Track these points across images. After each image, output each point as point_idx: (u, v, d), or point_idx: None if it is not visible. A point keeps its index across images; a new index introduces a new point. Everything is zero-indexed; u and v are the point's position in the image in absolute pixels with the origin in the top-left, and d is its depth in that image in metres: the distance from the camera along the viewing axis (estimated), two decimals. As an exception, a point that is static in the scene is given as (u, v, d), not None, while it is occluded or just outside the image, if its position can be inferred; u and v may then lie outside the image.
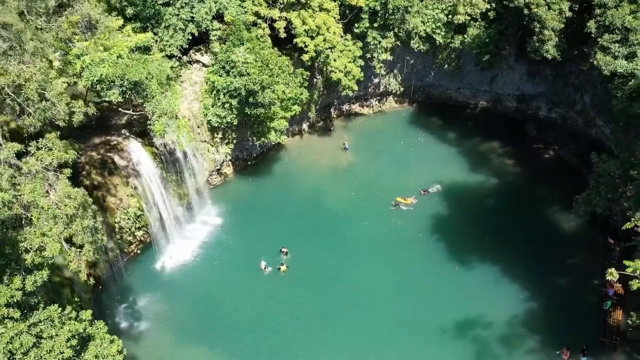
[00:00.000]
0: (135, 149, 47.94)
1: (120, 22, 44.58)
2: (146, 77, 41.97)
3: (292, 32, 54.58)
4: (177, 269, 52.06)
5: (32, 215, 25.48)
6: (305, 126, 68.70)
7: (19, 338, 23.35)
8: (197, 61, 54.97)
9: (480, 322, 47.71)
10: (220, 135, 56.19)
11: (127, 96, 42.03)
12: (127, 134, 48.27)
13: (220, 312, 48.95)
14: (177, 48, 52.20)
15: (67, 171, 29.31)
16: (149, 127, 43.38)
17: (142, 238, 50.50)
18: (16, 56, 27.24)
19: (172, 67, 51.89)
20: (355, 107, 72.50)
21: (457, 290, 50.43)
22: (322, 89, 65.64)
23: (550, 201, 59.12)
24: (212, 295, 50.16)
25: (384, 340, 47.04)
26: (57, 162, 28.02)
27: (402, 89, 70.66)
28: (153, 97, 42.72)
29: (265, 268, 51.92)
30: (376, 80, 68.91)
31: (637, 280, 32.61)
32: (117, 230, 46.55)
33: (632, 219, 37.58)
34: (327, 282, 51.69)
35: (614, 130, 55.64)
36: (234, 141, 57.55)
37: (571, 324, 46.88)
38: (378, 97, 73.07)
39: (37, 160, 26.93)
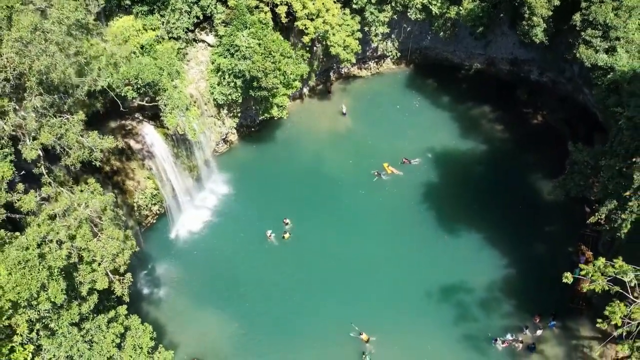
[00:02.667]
0: (148, 131, 51.68)
1: (131, 20, 46.84)
2: (159, 73, 45.05)
3: (293, 14, 56.69)
4: (190, 237, 57.20)
5: (83, 254, 30.23)
6: (305, 90, 71.56)
7: (76, 345, 28.68)
8: (202, 41, 57.42)
9: (463, 287, 53.37)
10: (225, 111, 59.65)
11: (141, 92, 45.22)
12: (140, 117, 51.75)
13: (230, 276, 54.51)
14: (182, 30, 54.62)
15: (109, 213, 33.60)
16: (162, 117, 46.90)
17: (157, 211, 55.23)
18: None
19: (179, 49, 54.67)
20: (354, 70, 75.00)
21: (444, 257, 55.76)
22: (321, 57, 68.06)
23: (534, 169, 63.31)
24: (223, 261, 55.54)
25: (377, 302, 52.92)
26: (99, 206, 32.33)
27: (398, 54, 72.92)
28: (165, 90, 45.96)
29: (270, 236, 56.94)
30: (374, 45, 70.98)
31: (588, 284, 37.39)
32: (135, 208, 51.16)
33: (597, 213, 42.07)
34: (327, 248, 56.88)
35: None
36: (239, 114, 61.00)
37: (544, 290, 52.44)
38: (376, 60, 75.42)
39: (85, 207, 31.20)
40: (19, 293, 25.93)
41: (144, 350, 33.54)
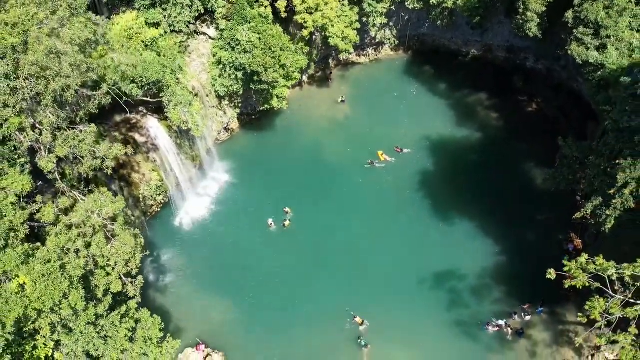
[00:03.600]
0: (152, 125, 53.24)
1: (134, 17, 47.97)
2: (162, 71, 46.46)
3: (293, 8, 57.71)
4: (193, 225, 59.25)
5: (98, 260, 32.23)
6: (304, 77, 72.81)
7: (92, 341, 30.94)
8: (204, 33, 58.55)
9: (455, 273, 55.59)
10: (227, 101, 61.15)
11: (145, 89, 46.70)
12: (144, 111, 53.24)
13: (233, 263, 56.70)
14: (184, 24, 55.74)
15: (121, 220, 35.45)
16: (166, 113, 48.46)
17: (162, 201, 57.18)
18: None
19: (181, 42, 55.90)
20: (353, 57, 76.08)
21: (438, 244, 57.87)
22: (320, 45, 69.16)
23: (528, 157, 65.00)
24: (226, 248, 57.70)
25: (373, 288, 55.13)
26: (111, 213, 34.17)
27: (396, 42, 74.00)
28: (168, 87, 47.44)
29: (271, 224, 58.97)
30: (372, 33, 71.97)
31: (569, 280, 39.47)
32: (141, 200, 53.07)
33: (582, 210, 43.99)
34: (325, 235, 58.97)
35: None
36: (240, 105, 62.48)
37: (534, 277, 54.13)
38: (374, 47, 76.49)
39: (99, 216, 33.04)
40: (43, 302, 28.11)
41: (153, 342, 35.88)
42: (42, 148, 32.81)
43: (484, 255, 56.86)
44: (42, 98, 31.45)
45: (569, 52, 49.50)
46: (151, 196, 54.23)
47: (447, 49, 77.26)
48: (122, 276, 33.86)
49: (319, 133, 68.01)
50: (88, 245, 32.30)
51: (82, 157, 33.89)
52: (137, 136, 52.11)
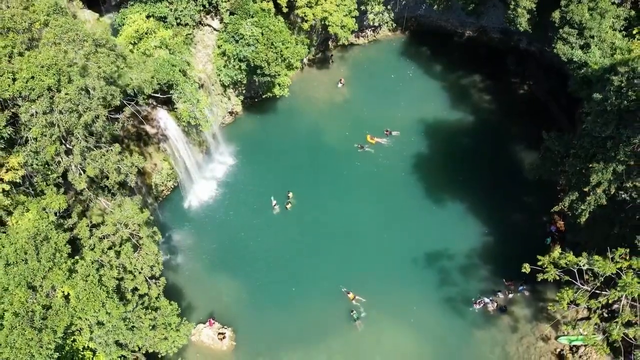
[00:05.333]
0: (162, 116, 56.52)
1: (142, 19, 50.52)
2: (172, 70, 49.50)
3: (294, 3, 60.05)
4: (201, 207, 63.23)
5: (127, 265, 36.33)
6: (305, 60, 75.38)
7: (122, 333, 35.49)
8: (208, 25, 61.05)
9: (445, 253, 59.83)
10: (231, 89, 64.11)
11: (156, 88, 49.82)
12: (154, 103, 56.37)
13: (239, 243, 60.84)
14: (189, 17, 58.25)
15: (145, 230, 39.21)
16: (176, 109, 51.74)
17: (172, 186, 61.01)
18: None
19: (187, 35, 58.57)
20: (352, 38, 78.39)
21: (430, 226, 61.97)
22: (320, 30, 71.57)
23: (517, 140, 68.48)
24: (232, 229, 61.77)
25: (368, 266, 59.34)
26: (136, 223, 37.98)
27: (394, 25, 76.30)
28: (178, 84, 50.57)
29: (275, 206, 62.93)
30: (371, 22, 74.16)
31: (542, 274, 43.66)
32: (153, 187, 56.87)
33: (560, 203, 47.85)
34: (325, 216, 62.91)
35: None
36: (244, 91, 65.52)
37: (518, 257, 57.89)
38: (373, 28, 78.77)
39: (126, 227, 36.86)
40: (86, 312, 32.30)
41: (172, 327, 40.41)
42: (73, 169, 36.42)
43: (473, 235, 60.97)
44: (74, 128, 34.88)
45: (555, 50, 52.29)
46: (162, 183, 58.00)
47: (443, 29, 79.70)
48: (147, 279, 38.13)
49: (319, 116, 71.20)
50: (118, 253, 36.44)
51: (109, 172, 37.56)
52: (148, 128, 55.47)
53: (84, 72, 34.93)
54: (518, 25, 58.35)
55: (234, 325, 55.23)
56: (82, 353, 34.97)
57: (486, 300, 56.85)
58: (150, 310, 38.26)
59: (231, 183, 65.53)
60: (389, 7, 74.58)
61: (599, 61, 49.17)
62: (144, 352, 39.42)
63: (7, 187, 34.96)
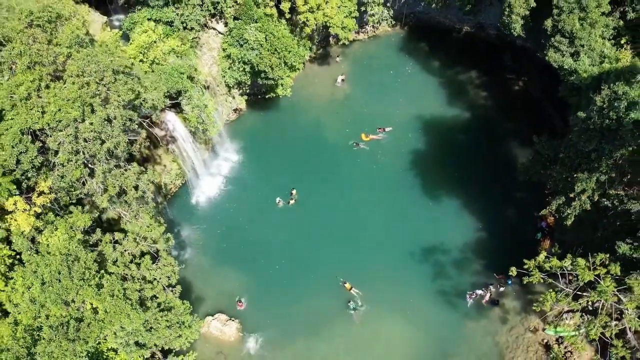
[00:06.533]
0: (170, 119, 58.99)
1: (151, 30, 52.71)
2: (180, 78, 51.94)
3: (296, 8, 62.03)
4: (208, 203, 66.16)
5: (146, 275, 39.44)
6: (307, 57, 77.35)
7: (142, 334, 38.87)
8: (213, 28, 63.15)
9: (440, 248, 62.96)
10: (236, 89, 66.47)
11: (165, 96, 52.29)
12: (163, 106, 58.73)
13: (245, 238, 63.85)
14: (196, 22, 60.37)
15: (162, 243, 42.11)
16: (184, 114, 54.30)
17: (180, 183, 63.84)
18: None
19: (193, 38, 60.77)
20: (352, 34, 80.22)
21: (426, 221, 64.97)
22: (321, 28, 73.55)
23: (511, 137, 71.05)
24: (238, 224, 64.76)
25: (366, 258, 62.50)
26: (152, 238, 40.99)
27: (394, 22, 78.26)
28: (186, 91, 53.05)
29: (279, 202, 65.83)
30: (371, 22, 76.07)
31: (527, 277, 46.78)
32: (162, 187, 59.72)
33: (548, 207, 50.73)
34: (326, 212, 65.87)
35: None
36: (247, 90, 67.92)
37: (509, 251, 61.57)
38: (373, 23, 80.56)
39: (145, 241, 39.88)
40: (112, 324, 35.53)
41: (185, 324, 43.76)
42: (95, 187, 39.24)
43: (467, 230, 64.00)
44: (97, 153, 37.62)
45: (547, 58, 54.58)
46: (171, 182, 60.84)
47: (441, 25, 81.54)
48: (165, 288, 41.36)
49: (320, 113, 73.67)
50: (138, 265, 39.61)
51: (127, 189, 40.42)
52: (157, 130, 57.98)
53: (105, 102, 37.61)
54: (512, 30, 60.41)
55: (240, 316, 58.56)
56: (106, 354, 38.40)
57: (479, 292, 60.07)
58: (165, 312, 41.49)
59: (236, 179, 68.30)
60: (388, 4, 76.38)
61: (588, 69, 51.43)
62: (159, 348, 42.95)
63: (39, 210, 38.00)
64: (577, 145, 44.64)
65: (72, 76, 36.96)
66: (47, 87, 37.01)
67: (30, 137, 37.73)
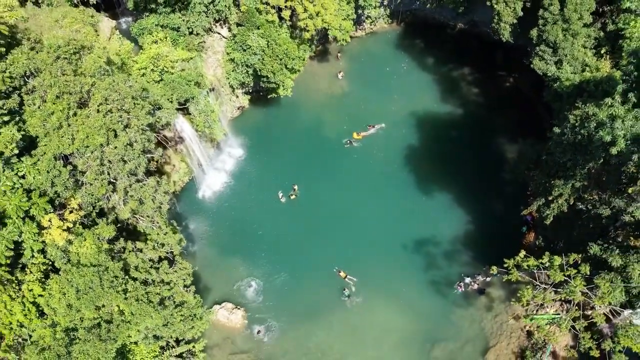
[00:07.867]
0: (178, 121, 62.64)
1: (160, 42, 56.13)
2: (187, 85, 55.55)
3: (296, 14, 65.23)
4: (213, 197, 70.22)
5: (164, 278, 43.85)
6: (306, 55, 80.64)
7: (160, 329, 43.54)
8: (218, 33, 66.43)
9: (432, 240, 67.19)
10: (239, 89, 70.03)
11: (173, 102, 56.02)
12: (171, 109, 62.41)
13: (249, 231, 68.00)
14: (201, 28, 63.65)
15: (177, 249, 46.27)
16: (192, 119, 58.07)
17: (187, 179, 67.84)
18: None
19: (199, 43, 64.14)
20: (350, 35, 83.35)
21: (420, 214, 69.09)
22: (320, 28, 76.60)
23: (501, 133, 74.76)
24: (242, 217, 68.87)
25: (362, 250, 66.63)
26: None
27: (390, 21, 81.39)
28: (193, 97, 56.71)
29: (281, 197, 69.89)
30: (367, 24, 79.17)
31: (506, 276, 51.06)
32: (172, 184, 63.71)
33: (529, 207, 54.82)
34: (325, 205, 69.90)
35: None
36: (250, 90, 71.47)
37: (497, 244, 65.99)
38: (370, 21, 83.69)
39: (163, 247, 44.16)
40: (138, 324, 40.02)
41: (197, 316, 48.33)
42: (117, 200, 43.29)
43: (457, 224, 68.12)
44: (120, 171, 41.59)
45: (532, 65, 58.12)
46: (179, 179, 64.83)
47: (436, 22, 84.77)
48: (181, 289, 45.86)
49: (320, 109, 77.31)
50: (157, 270, 44.03)
51: (145, 201, 44.49)
52: (166, 132, 61.77)
53: (126, 126, 41.44)
54: (502, 36, 63.74)
55: (245, 305, 63.08)
56: (128, 347, 43.08)
57: (467, 280, 64.47)
58: (179, 308, 45.96)
59: (240, 173, 72.24)
60: (385, 3, 79.38)
61: (570, 77, 55.08)
62: (173, 339, 47.64)
63: (71, 226, 42.29)
64: (554, 155, 48.60)
65: (96, 104, 40.74)
66: (75, 114, 40.86)
67: (62, 161, 41.90)
